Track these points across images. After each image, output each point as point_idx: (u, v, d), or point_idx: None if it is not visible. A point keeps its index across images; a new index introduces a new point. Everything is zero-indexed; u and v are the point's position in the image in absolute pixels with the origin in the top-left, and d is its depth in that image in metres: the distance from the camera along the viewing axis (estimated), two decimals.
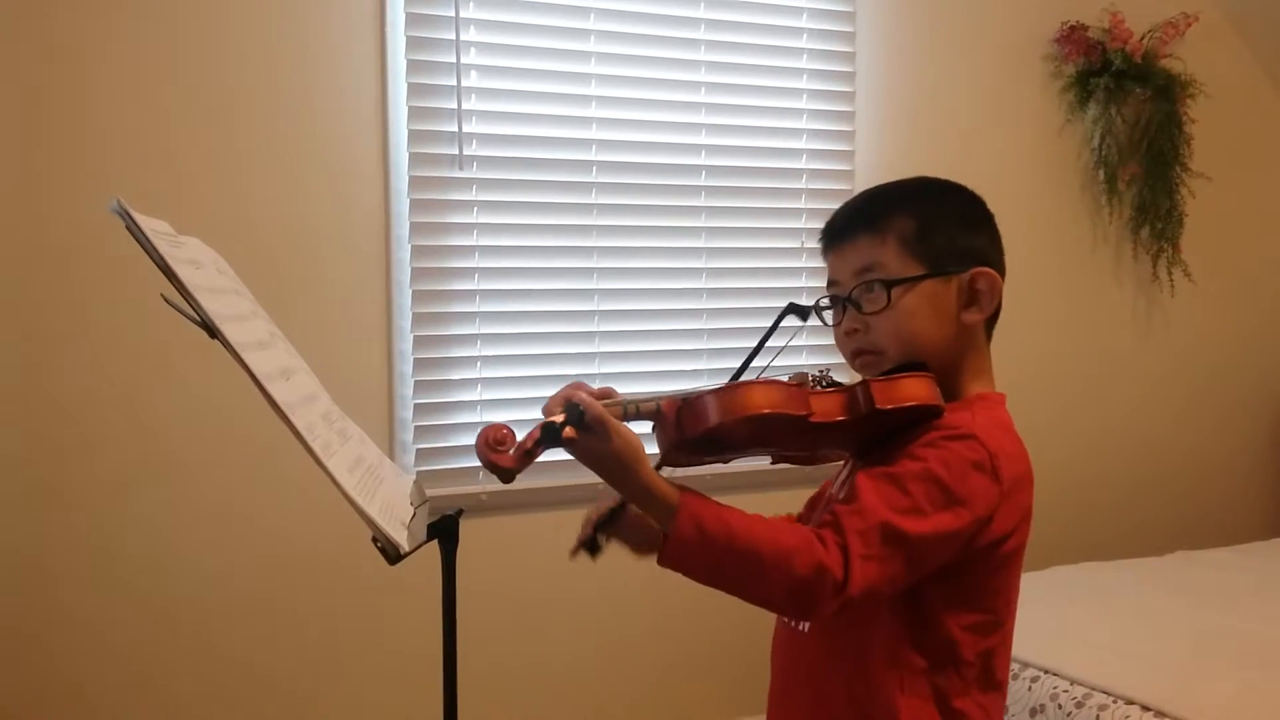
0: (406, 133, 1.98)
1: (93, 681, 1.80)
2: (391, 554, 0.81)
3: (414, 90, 1.98)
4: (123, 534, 1.82)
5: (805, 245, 2.30)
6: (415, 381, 2.01)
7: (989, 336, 1.00)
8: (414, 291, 2.00)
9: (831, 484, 1.08)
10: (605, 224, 2.16)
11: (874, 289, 0.95)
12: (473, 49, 2.03)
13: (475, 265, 2.06)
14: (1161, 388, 2.75)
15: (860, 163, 2.37)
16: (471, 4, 2.03)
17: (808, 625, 0.97)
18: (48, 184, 1.77)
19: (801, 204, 2.33)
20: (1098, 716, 1.53)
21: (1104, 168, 2.56)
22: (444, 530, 0.91)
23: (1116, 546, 2.50)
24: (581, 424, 0.80)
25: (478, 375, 2.07)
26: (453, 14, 1.99)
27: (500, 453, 0.80)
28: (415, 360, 2.01)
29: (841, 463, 1.06)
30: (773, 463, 1.01)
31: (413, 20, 1.97)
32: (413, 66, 1.98)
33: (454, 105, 2.00)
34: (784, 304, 0.98)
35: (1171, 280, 2.67)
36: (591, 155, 2.14)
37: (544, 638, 2.12)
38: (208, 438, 1.86)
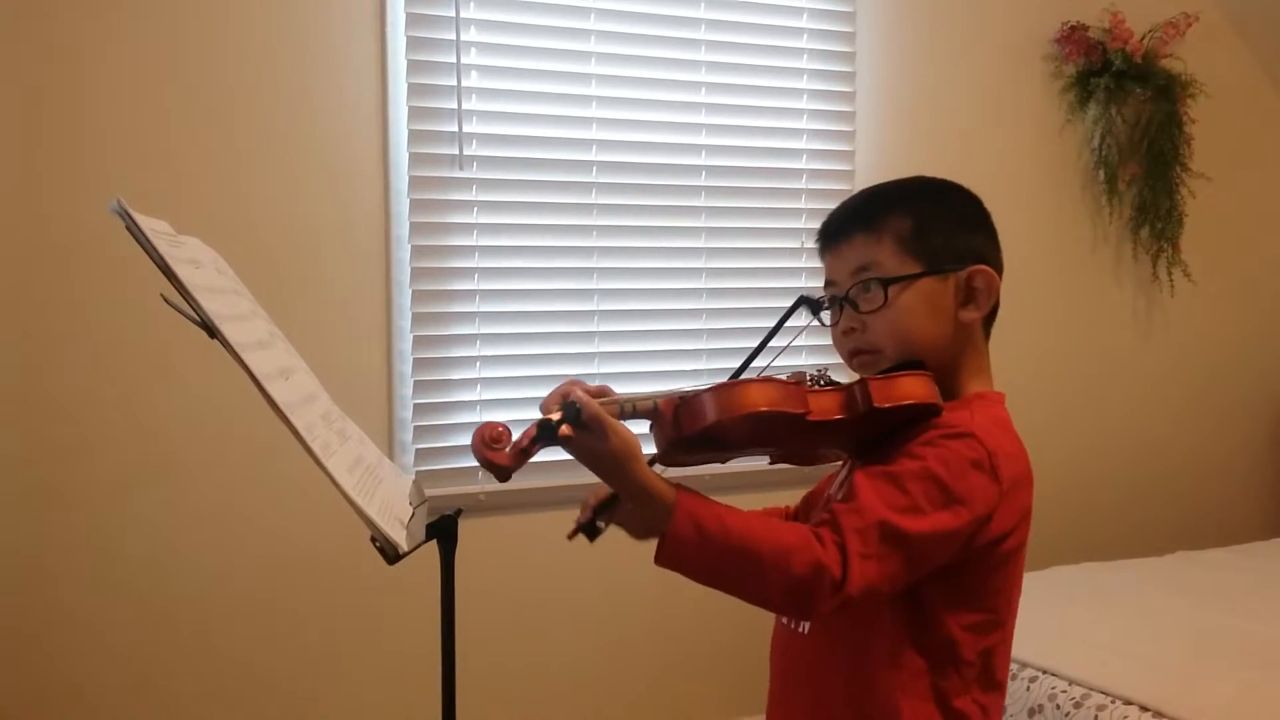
0: (406, 132, 1.98)
1: (93, 681, 1.81)
2: (390, 554, 0.81)
3: (414, 90, 1.98)
4: (123, 534, 1.82)
5: (805, 245, 2.30)
6: (415, 381, 2.01)
7: (987, 335, 1.00)
8: (414, 291, 2.00)
9: (829, 483, 1.08)
10: (605, 224, 2.16)
11: (871, 288, 0.94)
12: (473, 49, 2.04)
13: (475, 265, 2.06)
14: (1161, 388, 2.75)
15: (860, 163, 2.37)
16: (472, 4, 2.03)
17: (807, 626, 0.97)
18: (48, 184, 1.77)
19: (801, 204, 2.33)
20: (1096, 717, 1.53)
21: (1104, 168, 2.56)
22: (443, 530, 0.91)
23: (1116, 547, 2.50)
24: (578, 422, 0.79)
25: (477, 375, 2.07)
26: (453, 14, 1.99)
27: (496, 451, 0.80)
28: (415, 360, 2.01)
29: (840, 463, 1.06)
30: (771, 463, 1.00)
31: (413, 20, 1.97)
32: (413, 66, 1.98)
33: (454, 105, 2.01)
34: (784, 304, 0.98)
35: (1171, 280, 2.68)
36: (591, 155, 2.14)
37: (543, 638, 2.12)
38: (207, 438, 1.86)
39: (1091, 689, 1.57)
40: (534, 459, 0.82)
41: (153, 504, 1.84)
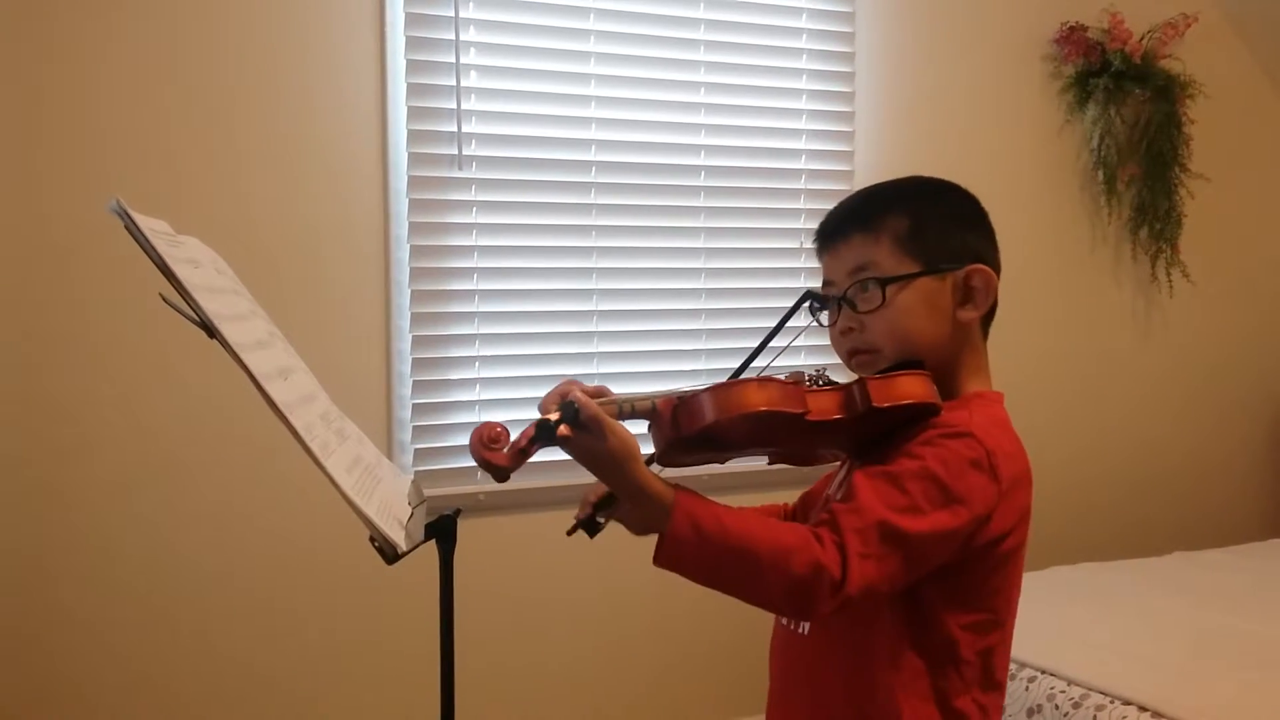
0: (406, 132, 1.98)
1: (93, 681, 1.81)
2: (389, 554, 0.81)
3: (413, 90, 1.98)
4: (122, 534, 1.82)
5: (804, 245, 2.30)
6: (413, 381, 2.01)
7: (985, 335, 1.00)
8: (413, 291, 2.00)
9: (827, 483, 1.08)
10: (604, 224, 2.16)
11: (869, 287, 0.94)
12: (472, 49, 2.04)
13: (474, 265, 2.06)
14: (1160, 388, 2.75)
15: (859, 163, 2.38)
16: (471, 4, 2.03)
17: (806, 627, 0.97)
18: (48, 184, 1.77)
19: (800, 204, 2.33)
20: (1095, 716, 1.53)
21: (1103, 168, 2.56)
22: (441, 530, 0.91)
23: (1115, 547, 2.51)
24: (576, 422, 0.79)
25: (476, 375, 2.07)
26: (452, 14, 1.99)
27: (494, 451, 0.80)
28: (413, 360, 2.01)
29: (838, 463, 1.06)
30: (769, 463, 1.00)
31: (412, 20, 1.97)
32: (412, 66, 1.98)
33: (453, 105, 2.01)
34: (783, 304, 0.98)
35: (1170, 281, 2.68)
36: (591, 155, 2.14)
37: (542, 638, 2.13)
38: (207, 437, 1.86)
39: (1090, 689, 1.57)
40: (532, 459, 0.82)
41: (152, 504, 1.84)
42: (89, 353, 1.80)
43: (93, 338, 1.80)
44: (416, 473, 1.99)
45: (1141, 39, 2.57)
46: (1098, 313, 2.67)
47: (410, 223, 1.99)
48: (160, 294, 0.81)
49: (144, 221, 0.79)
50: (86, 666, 1.80)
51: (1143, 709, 1.50)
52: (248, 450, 1.87)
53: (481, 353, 2.07)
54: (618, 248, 2.18)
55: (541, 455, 0.82)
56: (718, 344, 2.25)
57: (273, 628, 1.92)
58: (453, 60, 2.00)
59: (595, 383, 0.88)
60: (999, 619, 0.94)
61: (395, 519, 0.85)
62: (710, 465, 0.98)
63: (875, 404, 0.87)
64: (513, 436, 0.81)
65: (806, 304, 0.98)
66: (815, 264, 1.03)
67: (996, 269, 0.98)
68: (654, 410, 0.87)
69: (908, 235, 0.95)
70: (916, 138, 2.42)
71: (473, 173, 2.04)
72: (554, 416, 0.80)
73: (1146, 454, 2.73)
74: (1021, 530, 0.94)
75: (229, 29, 1.87)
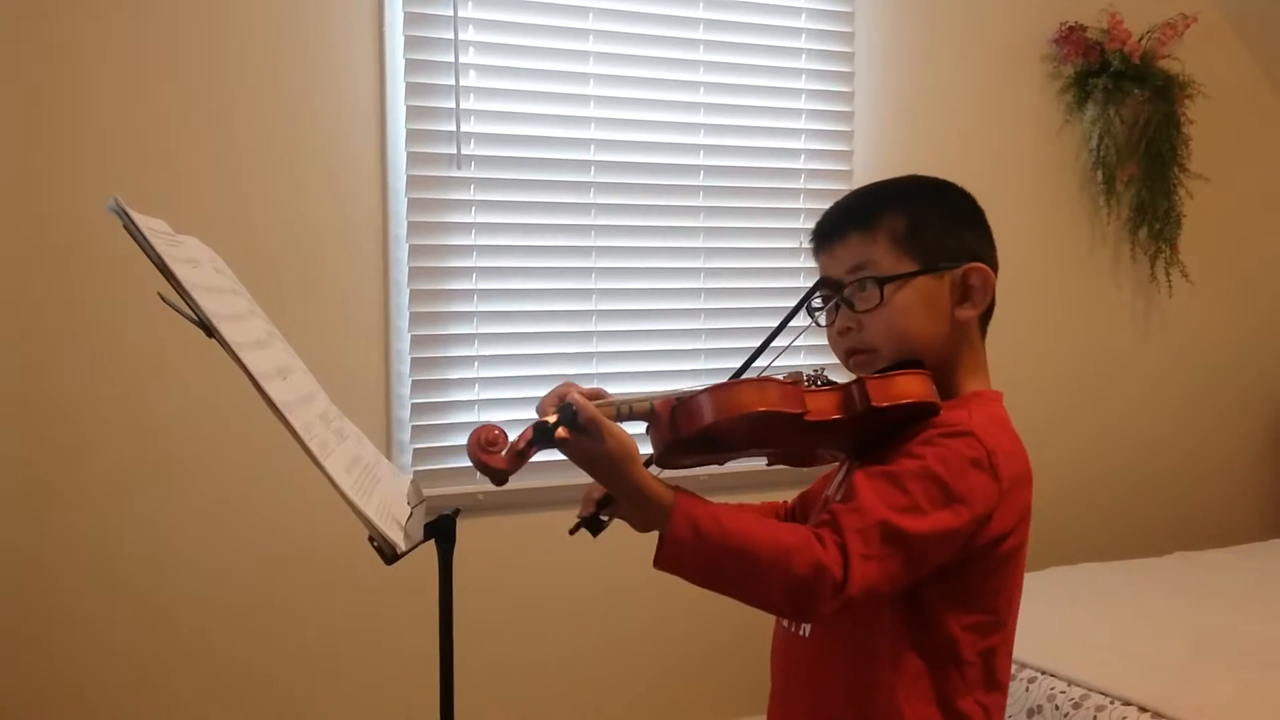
0: (405, 132, 1.98)
1: (92, 681, 1.81)
2: (388, 553, 0.81)
3: (412, 90, 1.98)
4: (121, 534, 1.82)
5: (803, 245, 2.30)
6: (412, 381, 2.01)
7: (984, 333, 1.00)
8: (411, 291, 2.00)
9: (826, 483, 1.08)
10: (603, 224, 2.16)
11: (866, 287, 0.94)
12: (471, 49, 2.04)
13: (473, 265, 2.06)
14: (1160, 388, 2.75)
15: (858, 163, 2.38)
16: (470, 4, 2.03)
17: (807, 629, 0.97)
18: (48, 184, 1.77)
19: (800, 204, 2.33)
20: (1095, 717, 1.53)
21: (1102, 168, 2.56)
22: (441, 530, 0.91)
23: (1115, 547, 2.51)
24: (574, 424, 0.79)
25: (475, 375, 2.07)
26: (451, 13, 1.99)
27: (492, 454, 0.80)
28: (413, 360, 2.01)
29: (837, 464, 1.05)
30: (769, 464, 1.00)
31: (411, 20, 1.98)
32: (411, 66, 1.98)
33: (452, 105, 2.01)
34: (782, 304, 0.98)
35: (1169, 281, 2.68)
36: (590, 155, 2.14)
37: (541, 638, 2.13)
38: (206, 437, 1.86)
39: (1090, 689, 1.58)
40: (531, 460, 0.82)
41: (152, 504, 1.84)
42: (89, 353, 1.80)
43: (93, 338, 1.80)
44: (415, 472, 1.99)
45: (1141, 39, 2.57)
46: (1097, 313, 2.67)
47: (409, 222, 1.99)
48: (159, 293, 0.81)
49: (143, 221, 0.79)
50: (86, 666, 1.80)
51: (1143, 709, 1.50)
52: (247, 450, 1.87)
53: (480, 352, 2.06)
54: (617, 247, 2.18)
55: (540, 455, 0.82)
56: (717, 344, 2.25)
57: (272, 627, 1.92)
58: (452, 60, 2.00)
59: (594, 383, 0.88)
60: (1000, 619, 0.94)
61: (394, 519, 0.85)
62: (709, 466, 0.98)
63: (874, 404, 0.87)
64: (510, 439, 0.81)
65: (809, 303, 0.98)
66: (815, 264, 1.03)
67: (994, 267, 0.98)
68: (652, 412, 0.87)
69: (905, 234, 0.95)
70: (916, 138, 2.42)
71: (472, 172, 2.04)
72: (552, 419, 0.80)
73: (1146, 454, 2.73)
74: (1022, 530, 0.94)
75: (229, 29, 1.87)
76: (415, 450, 2.01)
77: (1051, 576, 2.12)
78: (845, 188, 2.33)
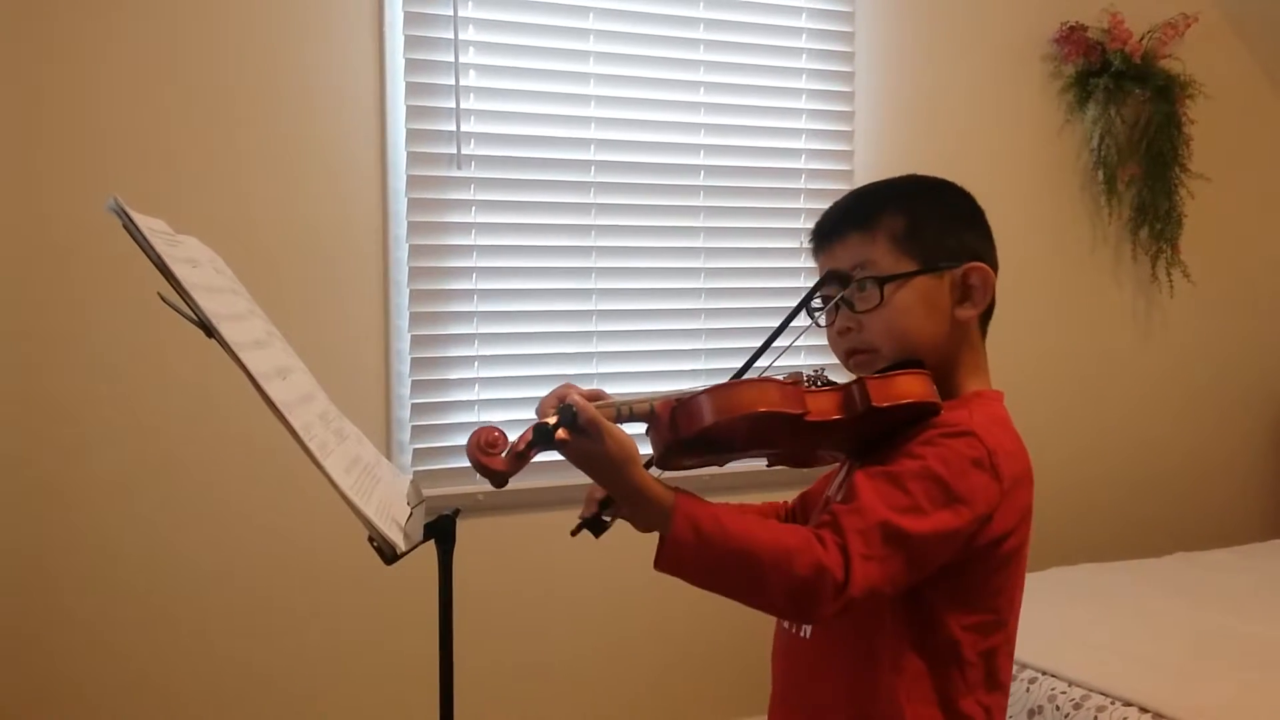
0: (405, 132, 1.98)
1: (93, 681, 1.81)
2: (388, 554, 0.81)
3: (412, 89, 1.98)
4: (122, 534, 1.82)
5: (804, 245, 2.30)
6: (412, 381, 2.01)
7: (984, 333, 1.00)
8: (411, 291, 2.00)
9: (826, 483, 1.08)
10: (604, 224, 2.16)
11: (866, 287, 0.94)
12: (471, 48, 2.04)
13: (473, 265, 2.06)
14: (1161, 388, 2.75)
15: (859, 163, 2.37)
16: (470, 3, 2.03)
17: (808, 630, 0.96)
18: (48, 184, 1.77)
19: (800, 204, 2.33)
20: (1096, 718, 1.53)
21: (1103, 168, 2.56)
22: (440, 530, 0.90)
23: (1115, 547, 2.50)
24: (574, 426, 0.79)
25: (475, 375, 2.07)
26: (451, 13, 1.99)
27: (492, 455, 0.80)
28: (412, 360, 2.01)
29: (838, 464, 1.05)
30: (769, 465, 1.00)
31: (411, 19, 1.97)
32: (411, 66, 1.98)
33: (452, 104, 2.01)
34: (782, 304, 0.98)
35: (1170, 281, 2.67)
36: (590, 155, 2.14)
37: (541, 638, 2.12)
38: (206, 437, 1.86)
39: (1091, 690, 1.57)
40: (531, 461, 0.82)
41: (152, 503, 1.84)
42: (89, 353, 1.80)
43: (92, 338, 1.80)
44: (415, 473, 1.99)
45: (1141, 39, 2.57)
46: (1098, 313, 2.67)
47: (409, 222, 1.99)
48: (159, 293, 0.81)
49: (142, 221, 0.79)
50: (86, 666, 1.80)
51: (1143, 710, 1.50)
52: (247, 450, 1.87)
53: (480, 352, 2.06)
54: (617, 247, 2.18)
55: (540, 456, 0.82)
56: (717, 344, 2.25)
57: (272, 627, 1.92)
58: (452, 59, 2.00)
59: (594, 383, 0.88)
60: (1002, 619, 0.94)
61: (394, 519, 0.85)
62: (709, 467, 0.98)
63: (875, 404, 0.87)
64: (510, 440, 0.81)
65: (809, 303, 0.97)
66: (815, 264, 1.03)
67: (994, 267, 0.98)
68: (652, 413, 0.87)
69: (904, 234, 0.95)
70: (916, 137, 2.42)
71: (472, 172, 2.04)
72: (552, 420, 0.79)
73: (1147, 454, 2.73)
74: (1023, 530, 0.94)
75: (229, 29, 1.87)
76: (415, 450, 2.01)
77: (1052, 577, 2.12)
78: (846, 187, 2.32)
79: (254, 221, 1.89)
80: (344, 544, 1.63)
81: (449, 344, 2.05)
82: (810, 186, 2.33)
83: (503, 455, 0.80)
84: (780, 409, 0.85)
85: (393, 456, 2.01)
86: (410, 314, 2.00)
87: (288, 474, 1.76)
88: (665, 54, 2.20)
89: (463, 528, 0.93)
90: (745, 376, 0.90)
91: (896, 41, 2.42)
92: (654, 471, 0.86)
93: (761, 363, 0.93)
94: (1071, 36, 2.53)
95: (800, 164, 2.33)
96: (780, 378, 0.88)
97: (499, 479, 0.81)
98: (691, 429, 0.85)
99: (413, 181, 1.99)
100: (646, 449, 0.88)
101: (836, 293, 0.96)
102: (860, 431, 0.91)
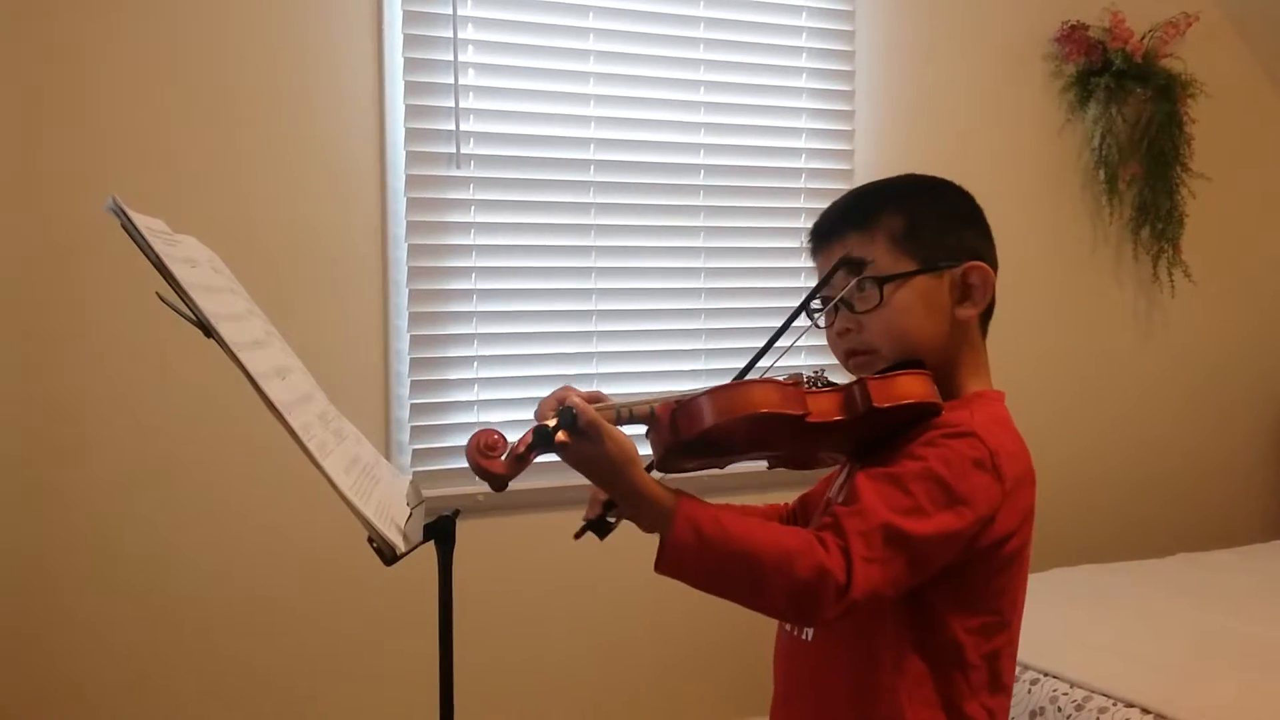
0: (404, 131, 1.98)
1: (93, 681, 1.80)
2: (387, 555, 0.81)
3: (411, 89, 1.98)
4: (122, 534, 1.82)
5: (804, 245, 2.30)
6: (412, 381, 2.01)
7: (984, 333, 1.00)
8: (411, 291, 2.00)
9: (827, 485, 1.07)
10: (603, 224, 2.16)
11: (865, 287, 0.94)
12: (470, 47, 2.03)
13: (472, 265, 2.05)
14: (1162, 388, 2.75)
15: (860, 162, 2.37)
16: (469, 3, 2.03)
17: (810, 633, 0.96)
18: (48, 184, 1.77)
19: (801, 203, 2.32)
20: (1097, 719, 1.52)
21: (1104, 168, 2.56)
22: (440, 531, 0.90)
23: (1117, 548, 2.50)
24: (574, 428, 0.79)
25: (474, 375, 2.06)
26: (450, 12, 1.99)
27: (491, 458, 0.79)
28: (412, 360, 2.00)
29: (838, 466, 1.05)
30: (769, 467, 1.00)
31: (410, 18, 1.97)
32: (410, 65, 1.98)
33: (451, 104, 2.00)
34: (783, 304, 0.98)
35: (1172, 281, 2.67)
36: (590, 155, 2.14)
37: (541, 639, 2.12)
38: (206, 437, 1.86)
39: (1093, 691, 1.57)
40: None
41: (152, 503, 1.84)
42: (89, 353, 1.80)
43: (93, 338, 1.80)
44: (415, 473, 1.99)
45: (1143, 38, 2.56)
46: (1099, 313, 2.67)
47: (408, 222, 1.99)
48: (158, 293, 0.81)
49: (141, 220, 0.79)
50: (86, 666, 1.80)
51: (1145, 711, 1.49)
52: (247, 450, 1.87)
53: (480, 353, 2.06)
54: (617, 247, 2.17)
55: (540, 457, 0.82)
56: (717, 344, 2.25)
57: (272, 627, 1.92)
58: (451, 59, 2.00)
59: (594, 383, 0.88)
60: (1005, 620, 0.93)
61: (393, 520, 0.85)
62: (710, 469, 0.97)
63: (876, 404, 0.87)
64: (509, 443, 0.81)
65: (808, 305, 0.97)
66: (814, 265, 1.02)
67: (994, 266, 0.98)
68: (652, 415, 0.87)
69: (903, 233, 0.94)
70: (917, 137, 2.42)
71: (471, 172, 2.04)
72: (551, 422, 0.79)
73: (1148, 454, 2.72)
74: (1025, 530, 0.93)
75: (229, 29, 1.87)
76: (414, 451, 2.01)
77: (1053, 578, 2.11)
78: (846, 187, 2.31)
79: (253, 221, 1.89)
80: (344, 544, 1.63)
81: (448, 344, 2.04)
82: (810, 186, 2.33)
83: (502, 458, 0.80)
84: (781, 410, 0.84)
85: (392, 457, 2.01)
86: (409, 314, 2.00)
87: (287, 474, 1.75)
88: (665, 53, 2.20)
89: (462, 528, 0.93)
90: (746, 378, 0.90)
91: (897, 41, 2.41)
92: (654, 474, 0.86)
93: (762, 363, 0.93)
94: (1072, 36, 2.52)
95: (800, 163, 2.33)
96: (781, 379, 0.88)
97: (499, 482, 0.80)
98: (692, 431, 0.85)
99: (412, 181, 1.99)
100: (646, 450, 0.88)
101: (843, 285, 0.94)
102: (861, 432, 0.91)
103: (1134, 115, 2.58)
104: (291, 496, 1.88)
